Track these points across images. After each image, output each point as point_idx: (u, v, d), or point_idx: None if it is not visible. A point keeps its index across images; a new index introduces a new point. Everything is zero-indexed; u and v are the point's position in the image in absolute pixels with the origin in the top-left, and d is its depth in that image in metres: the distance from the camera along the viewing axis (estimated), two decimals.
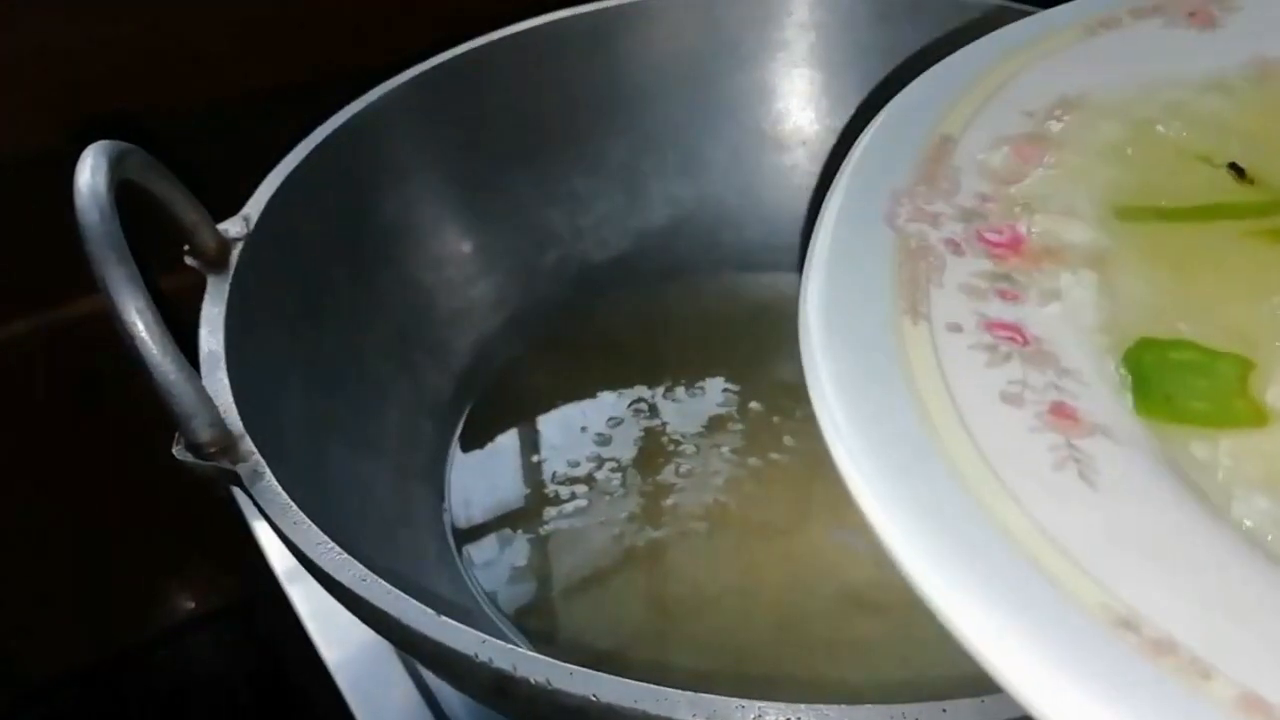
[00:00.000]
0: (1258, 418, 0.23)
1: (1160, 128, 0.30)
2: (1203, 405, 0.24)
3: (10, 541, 0.54)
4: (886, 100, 0.31)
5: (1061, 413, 0.23)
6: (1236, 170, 0.29)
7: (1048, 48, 0.32)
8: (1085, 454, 0.22)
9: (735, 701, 0.23)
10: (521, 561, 0.37)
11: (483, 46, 0.42)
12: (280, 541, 0.28)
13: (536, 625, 0.35)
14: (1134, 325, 0.25)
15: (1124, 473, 0.21)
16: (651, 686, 0.23)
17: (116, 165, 0.29)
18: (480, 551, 0.37)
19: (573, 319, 0.44)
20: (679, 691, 0.23)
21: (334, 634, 0.39)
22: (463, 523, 0.38)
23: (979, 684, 0.32)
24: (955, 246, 0.27)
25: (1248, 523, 0.21)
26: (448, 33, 0.42)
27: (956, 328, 0.25)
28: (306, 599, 0.40)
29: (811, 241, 0.27)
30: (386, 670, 0.37)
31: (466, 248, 0.43)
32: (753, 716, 0.23)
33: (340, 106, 0.39)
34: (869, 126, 0.30)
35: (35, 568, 0.55)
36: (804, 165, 0.46)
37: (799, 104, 0.45)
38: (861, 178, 0.29)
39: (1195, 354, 0.25)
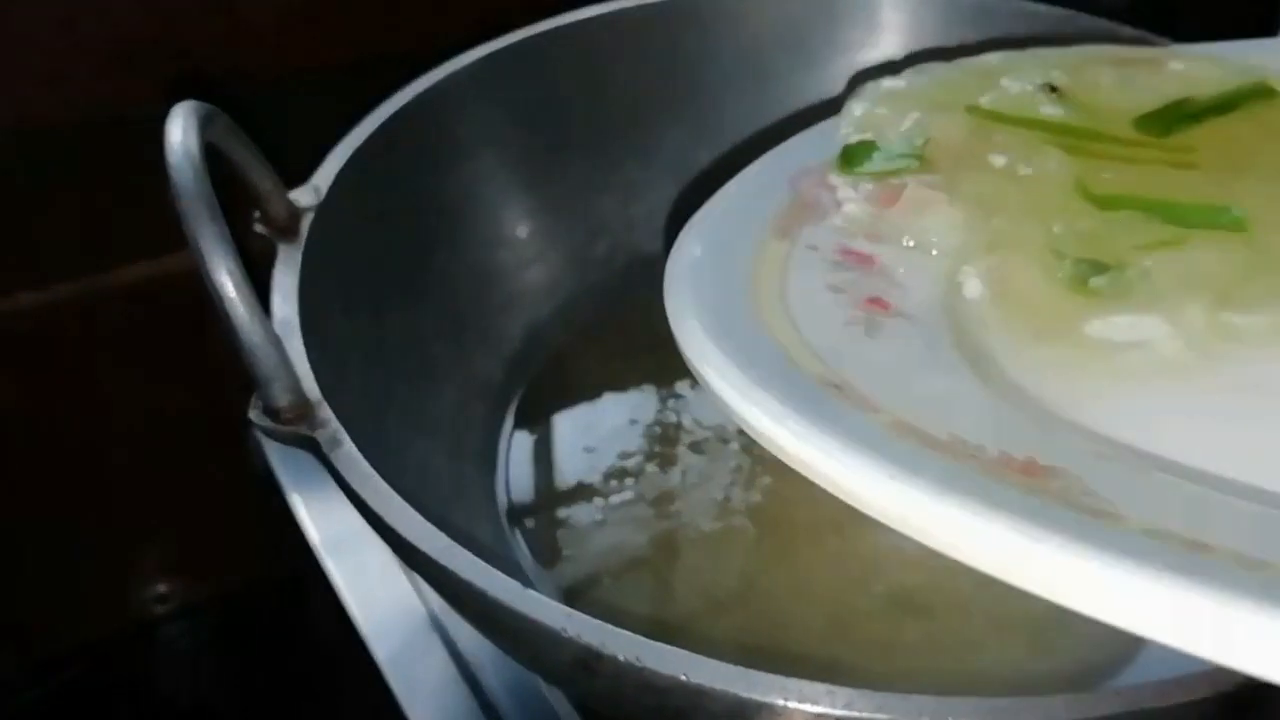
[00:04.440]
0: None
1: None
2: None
3: (24, 511, 0.54)
4: None
5: (877, 302, 0.29)
6: (1050, 88, 0.35)
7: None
8: (877, 322, 0.28)
9: (824, 687, 0.23)
10: (569, 548, 0.37)
11: (548, 31, 0.42)
12: (356, 509, 0.28)
13: (584, 610, 0.35)
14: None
15: (904, 338, 0.27)
16: (743, 669, 0.23)
17: (205, 126, 0.29)
18: (528, 536, 0.37)
19: (622, 310, 0.44)
20: (770, 675, 0.23)
21: (371, 607, 0.38)
22: (513, 505, 0.38)
23: (1035, 684, 0.33)
24: (842, 203, 0.32)
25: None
26: (516, 15, 0.42)
27: (814, 248, 0.31)
28: (343, 572, 0.40)
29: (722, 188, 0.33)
30: (424, 643, 0.37)
31: (521, 232, 0.43)
32: (842, 703, 0.23)
33: (403, 85, 0.39)
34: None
35: (47, 539, 0.55)
36: None
37: None
38: (785, 154, 0.35)
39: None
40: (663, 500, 0.38)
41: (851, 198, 0.32)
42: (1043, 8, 0.41)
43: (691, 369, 0.26)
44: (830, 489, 0.22)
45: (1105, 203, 0.31)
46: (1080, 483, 0.22)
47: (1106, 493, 0.21)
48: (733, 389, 0.24)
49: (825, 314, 0.28)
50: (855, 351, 0.26)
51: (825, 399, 0.24)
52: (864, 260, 0.30)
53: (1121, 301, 0.28)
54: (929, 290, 0.29)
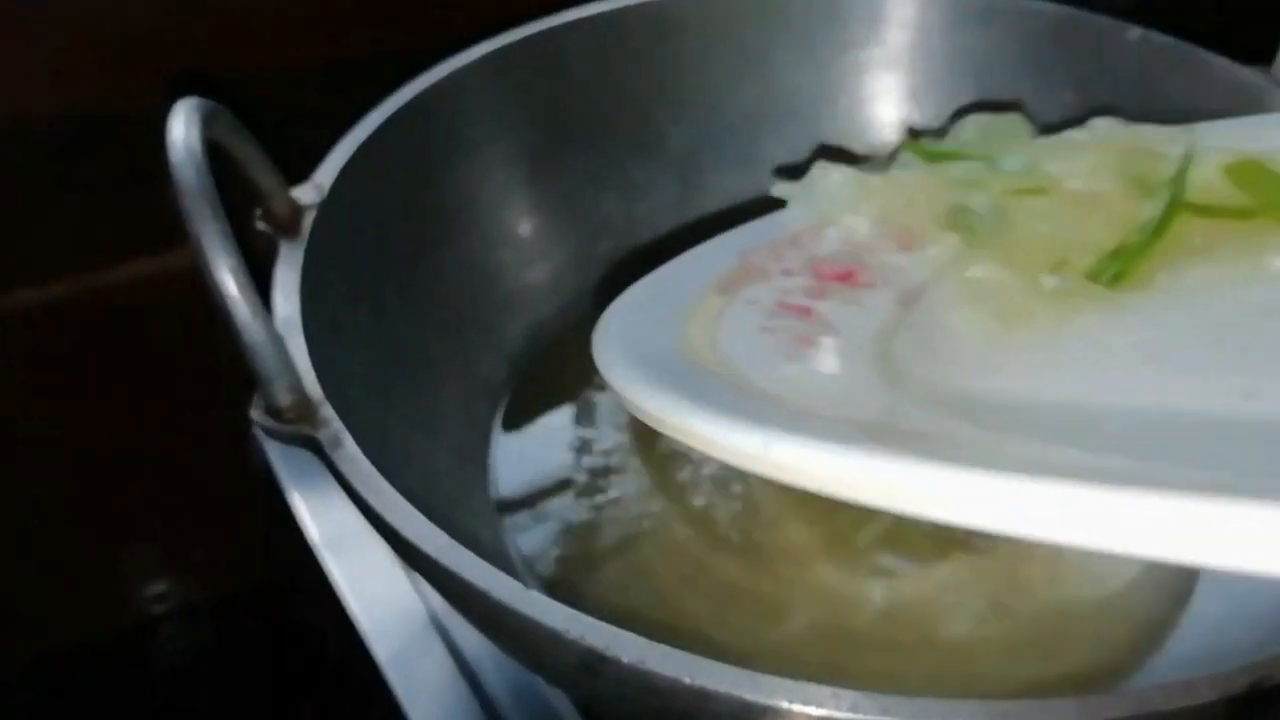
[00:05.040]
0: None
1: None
2: None
3: (22, 510, 0.53)
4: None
5: (807, 341, 0.30)
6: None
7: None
8: (803, 354, 0.29)
9: (829, 689, 0.23)
10: (567, 549, 0.37)
11: (550, 29, 0.42)
12: (358, 509, 0.27)
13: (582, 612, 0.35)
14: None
15: (821, 362, 0.29)
16: (747, 671, 0.23)
17: (207, 123, 0.29)
18: (520, 535, 0.37)
19: None
20: (774, 677, 0.23)
21: (372, 607, 0.38)
22: (512, 505, 0.38)
23: (1035, 688, 0.33)
24: (789, 272, 0.34)
25: None
26: (519, 12, 0.42)
27: (754, 301, 0.32)
28: (343, 572, 0.39)
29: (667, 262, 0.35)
30: (424, 643, 0.37)
31: (524, 231, 0.43)
32: (847, 705, 0.23)
33: (405, 82, 0.39)
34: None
35: (46, 538, 0.54)
36: None
37: (863, 104, 0.45)
38: (735, 235, 0.37)
39: None
40: (661, 500, 0.38)
41: (797, 268, 0.34)
42: (1049, 6, 0.41)
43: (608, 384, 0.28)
44: (709, 451, 0.24)
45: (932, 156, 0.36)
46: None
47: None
48: (628, 379, 0.27)
49: (751, 346, 0.29)
50: (769, 367, 0.28)
51: (721, 388, 0.26)
52: (801, 311, 0.32)
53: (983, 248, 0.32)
54: (862, 333, 0.31)
